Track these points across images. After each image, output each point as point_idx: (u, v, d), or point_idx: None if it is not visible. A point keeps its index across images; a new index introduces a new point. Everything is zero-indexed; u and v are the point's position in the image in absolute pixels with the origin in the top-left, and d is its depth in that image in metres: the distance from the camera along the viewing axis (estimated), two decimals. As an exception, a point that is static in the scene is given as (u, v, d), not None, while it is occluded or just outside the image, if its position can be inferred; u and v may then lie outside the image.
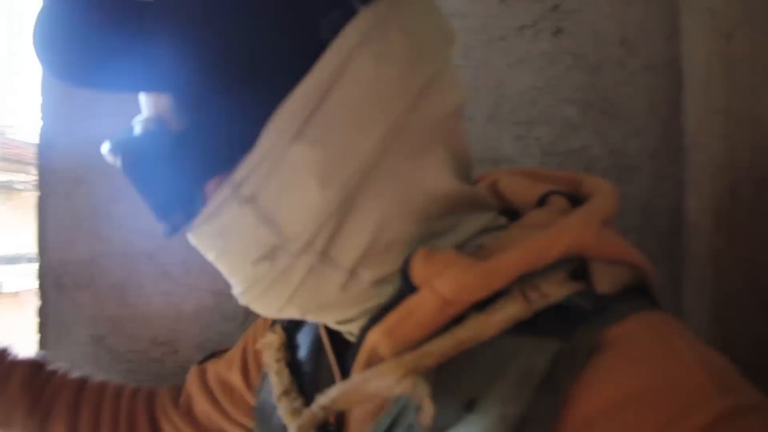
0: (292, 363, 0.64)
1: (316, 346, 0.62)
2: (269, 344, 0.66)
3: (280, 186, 0.46)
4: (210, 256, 0.52)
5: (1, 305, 15.54)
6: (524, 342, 0.42)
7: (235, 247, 0.49)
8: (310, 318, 0.53)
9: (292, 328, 0.67)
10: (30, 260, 20.19)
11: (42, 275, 0.94)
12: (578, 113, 0.98)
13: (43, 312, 0.95)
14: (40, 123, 0.93)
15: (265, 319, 0.74)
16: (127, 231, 0.90)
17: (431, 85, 0.49)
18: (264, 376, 0.68)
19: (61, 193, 0.92)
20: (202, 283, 0.90)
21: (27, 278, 16.41)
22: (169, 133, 0.49)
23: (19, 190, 23.97)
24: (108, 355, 0.91)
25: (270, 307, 0.51)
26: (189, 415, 0.80)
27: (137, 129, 0.51)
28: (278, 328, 0.67)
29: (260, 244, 0.48)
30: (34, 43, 0.45)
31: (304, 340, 0.64)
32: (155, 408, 0.82)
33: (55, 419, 0.78)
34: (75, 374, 0.82)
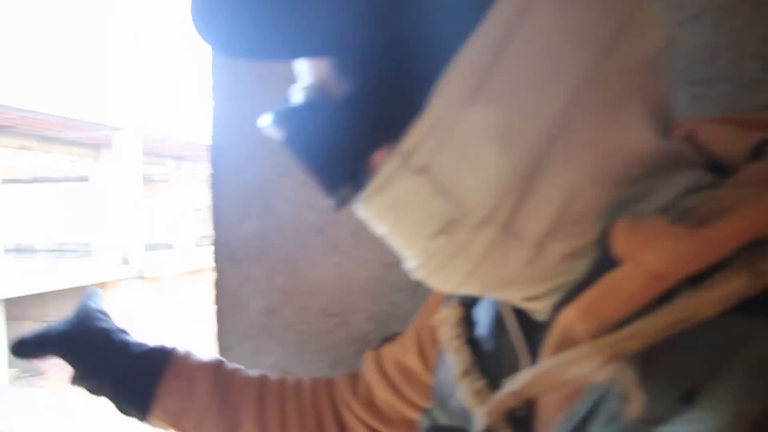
0: (470, 340, 0.60)
1: (498, 323, 0.58)
2: (446, 319, 0.63)
3: (456, 154, 0.43)
4: (380, 231, 0.49)
5: (145, 289, 16.61)
6: (755, 324, 0.36)
7: (407, 220, 0.46)
8: (492, 295, 0.50)
9: (469, 302, 0.62)
10: (168, 247, 21.50)
11: (216, 249, 0.98)
12: (762, 69, 0.90)
13: (218, 285, 0.98)
14: (211, 103, 0.96)
15: (438, 295, 0.70)
16: (297, 205, 0.92)
17: (627, 25, 0.43)
18: (441, 354, 0.65)
19: (233, 169, 0.95)
20: (372, 255, 0.90)
21: (165, 264, 17.42)
22: (331, 101, 0.47)
23: (157, 181, 25.58)
24: (280, 327, 0.94)
25: (447, 282, 0.48)
26: (370, 404, 0.77)
27: (297, 99, 0.49)
28: (455, 302, 0.63)
29: (435, 218, 0.45)
30: (194, 20, 0.44)
31: (483, 316, 0.60)
32: (336, 399, 0.79)
33: (244, 420, 0.77)
34: (251, 372, 0.81)
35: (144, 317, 16.83)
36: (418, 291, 0.90)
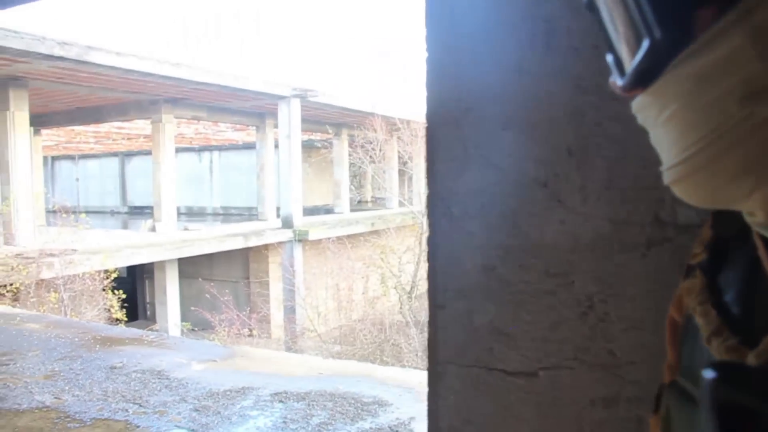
0: (717, 304, 0.56)
1: (747, 286, 0.54)
2: (690, 288, 0.59)
3: None
4: (663, 113, 0.45)
5: (308, 251, 17.23)
6: None
7: (709, 92, 0.42)
8: (753, 207, 0.45)
9: (711, 270, 0.58)
10: (327, 211, 22.17)
11: (431, 205, 0.95)
12: None
13: (432, 241, 0.96)
14: (425, 54, 0.93)
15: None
16: (519, 158, 0.88)
17: None
18: (687, 322, 0.61)
19: (450, 122, 0.92)
20: (600, 211, 0.84)
21: (325, 228, 17.93)
22: None
23: (318, 148, 26.31)
24: (498, 285, 0.91)
25: (716, 177, 0.44)
26: None
27: None
28: (697, 272, 0.59)
29: (746, 86, 0.40)
30: None
31: (728, 283, 0.56)
32: None
33: None
34: None
35: (306, 280, 17.61)
36: (650, 251, 0.83)
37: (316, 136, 27.50)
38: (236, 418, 3.69)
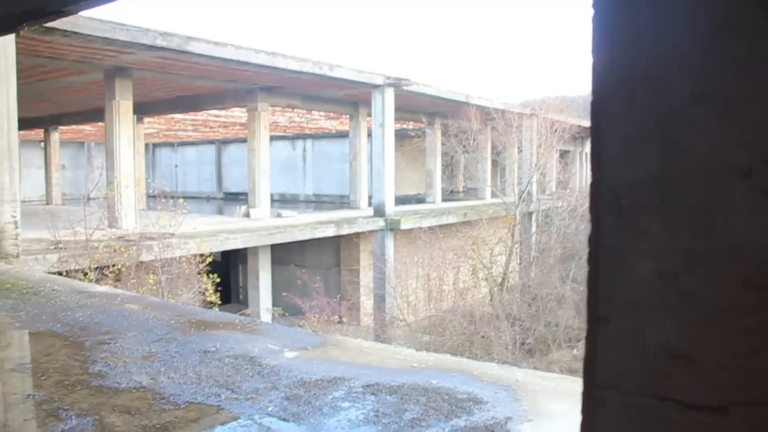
0: None
1: None
2: None
3: None
4: None
5: (399, 241, 17.19)
6: None
7: None
8: None
9: None
10: (418, 201, 22.23)
11: (597, 196, 0.78)
12: None
13: (595, 240, 0.79)
14: (591, 12, 0.76)
15: None
16: (714, 140, 0.70)
17: None
18: None
19: (623, 95, 0.75)
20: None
21: (416, 217, 17.86)
22: None
23: (411, 137, 26.41)
24: (679, 298, 0.73)
25: None
26: None
27: None
28: None
29: None
30: None
31: None
32: None
33: None
34: None
35: (396, 269, 17.58)
36: None
37: (409, 125, 27.45)
38: (327, 409, 3.61)
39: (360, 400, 3.73)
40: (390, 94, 17.95)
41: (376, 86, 17.77)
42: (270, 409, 3.59)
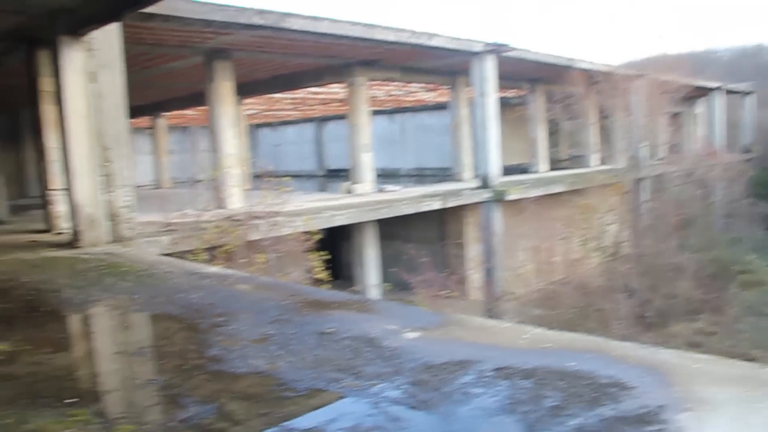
0: None
1: None
2: None
3: None
4: None
5: (506, 212, 16.72)
6: None
7: None
8: None
9: None
10: (522, 171, 21.56)
11: None
12: None
13: None
14: None
15: None
16: None
17: None
18: None
19: None
20: None
21: (522, 188, 17.33)
22: None
23: (513, 105, 25.59)
24: None
25: None
26: None
27: None
28: None
29: None
30: None
31: None
32: None
33: None
34: None
35: (503, 241, 17.12)
36: None
37: (511, 93, 26.66)
38: (458, 395, 3.32)
39: (492, 386, 3.43)
40: (490, 60, 17.36)
41: (475, 54, 17.22)
42: (396, 396, 3.34)
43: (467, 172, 20.67)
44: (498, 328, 4.71)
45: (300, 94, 24.46)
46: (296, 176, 26.48)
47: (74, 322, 5.79)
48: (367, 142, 18.09)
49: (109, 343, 5.12)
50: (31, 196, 22.16)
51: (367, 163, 18.10)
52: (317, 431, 2.97)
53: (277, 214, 12.48)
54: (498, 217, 17.07)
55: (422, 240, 19.00)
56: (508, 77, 20.86)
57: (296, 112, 34.21)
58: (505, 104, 23.53)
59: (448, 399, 3.27)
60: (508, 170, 19.25)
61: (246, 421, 3.15)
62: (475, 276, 17.89)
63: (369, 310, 5.26)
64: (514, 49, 17.72)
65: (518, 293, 16.19)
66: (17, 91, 14.72)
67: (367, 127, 18.13)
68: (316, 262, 11.57)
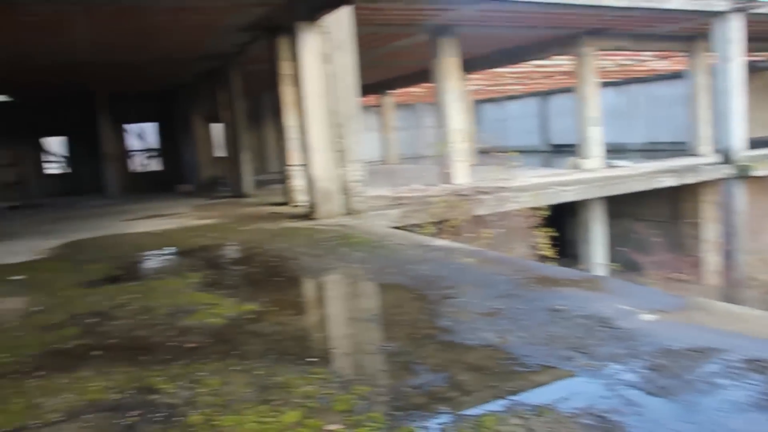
0: None
1: None
2: None
3: None
4: None
5: (751, 189, 15.22)
6: None
7: None
8: None
9: None
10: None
11: None
12: None
13: None
14: None
15: None
16: None
17: None
18: None
19: None
20: None
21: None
22: None
23: (760, 70, 23.04)
24: None
25: None
26: None
27: None
28: None
29: None
30: None
31: None
32: None
33: None
34: None
35: (747, 221, 15.62)
36: None
37: (760, 56, 24.07)
38: (701, 385, 3.06)
39: (741, 378, 3.12)
40: (735, 20, 15.76)
41: (717, 14, 15.73)
42: (631, 379, 3.16)
43: (705, 146, 19.04)
44: (747, 315, 4.28)
45: (524, 67, 24.02)
46: (520, 151, 26.21)
47: (312, 287, 6.20)
48: (595, 116, 17.33)
49: (344, 309, 5.42)
50: (270, 172, 24.10)
51: (595, 138, 17.36)
52: (548, 408, 2.90)
53: (503, 189, 12.41)
54: (741, 195, 15.57)
55: (653, 218, 17.89)
56: (755, 38, 18.81)
57: (520, 87, 33.70)
58: (750, 69, 21.27)
59: (691, 388, 3.04)
60: (754, 143, 17.44)
61: (475, 391, 3.17)
62: (712, 259, 16.51)
63: (601, 289, 5.05)
64: (765, 3, 15.93)
65: (763, 279, 14.70)
66: (259, 77, 16.00)
67: (595, 100, 17.36)
68: (542, 238, 11.34)
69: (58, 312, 5.43)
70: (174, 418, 3.10)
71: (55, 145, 24.07)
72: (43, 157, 23.69)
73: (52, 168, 24.08)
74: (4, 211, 17.98)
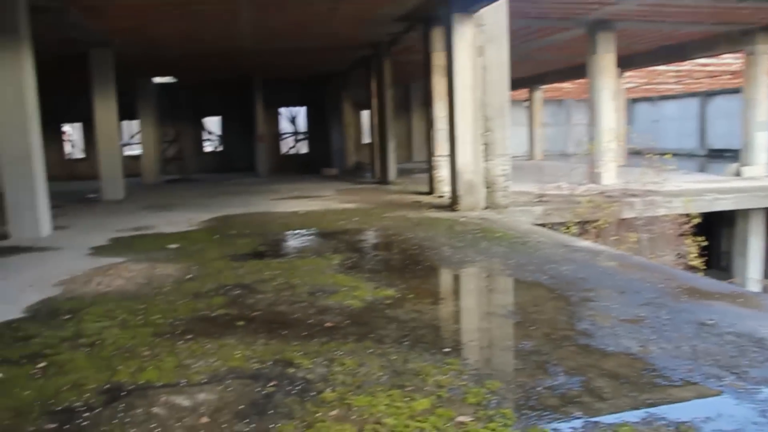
0: None
1: None
2: None
3: None
4: None
5: None
6: None
7: None
8: None
9: None
10: None
11: None
12: None
13: None
14: None
15: None
16: None
17: None
18: None
19: None
20: None
21: None
22: None
23: None
24: None
25: None
26: None
27: None
28: None
29: None
30: None
31: None
32: None
33: None
34: None
35: None
36: None
37: None
38: None
39: None
40: None
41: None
42: (791, 408, 2.95)
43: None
44: None
45: (685, 65, 22.76)
46: (674, 154, 24.90)
47: (450, 278, 6.23)
48: (764, 119, 16.17)
49: (481, 303, 5.41)
50: (415, 161, 24.34)
51: (762, 143, 16.19)
52: (689, 426, 2.76)
53: (653, 192, 11.88)
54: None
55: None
56: None
57: (678, 86, 31.99)
58: None
59: None
60: None
61: (611, 399, 3.08)
62: None
63: (757, 306, 4.73)
64: None
65: None
66: (409, 66, 16.16)
67: (764, 103, 16.18)
68: (691, 247, 10.76)
69: (207, 281, 5.81)
70: (309, 393, 3.23)
71: (212, 124, 25.59)
72: (202, 136, 25.25)
73: (208, 146, 25.64)
74: (165, 184, 19.35)
